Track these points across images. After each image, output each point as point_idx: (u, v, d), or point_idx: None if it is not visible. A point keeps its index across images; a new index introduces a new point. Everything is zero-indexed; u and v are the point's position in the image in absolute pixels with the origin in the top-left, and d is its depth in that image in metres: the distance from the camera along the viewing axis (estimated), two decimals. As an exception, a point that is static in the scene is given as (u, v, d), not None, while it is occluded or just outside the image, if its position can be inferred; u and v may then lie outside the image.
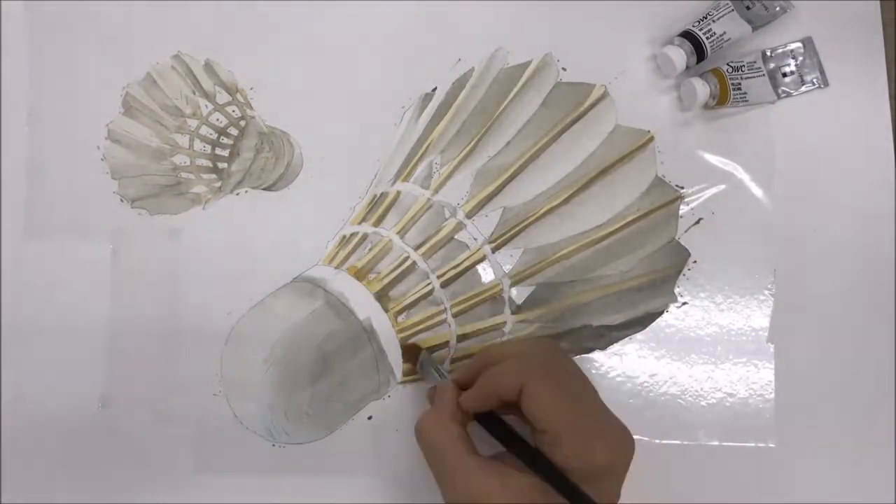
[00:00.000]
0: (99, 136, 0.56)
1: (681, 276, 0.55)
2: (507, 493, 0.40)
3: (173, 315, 0.54)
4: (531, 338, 0.46)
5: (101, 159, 0.56)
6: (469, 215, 0.55)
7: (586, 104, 0.56)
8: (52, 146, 0.56)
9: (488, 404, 0.44)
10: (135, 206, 0.55)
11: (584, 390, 0.44)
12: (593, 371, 0.53)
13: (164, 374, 0.53)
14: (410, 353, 0.52)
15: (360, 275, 0.53)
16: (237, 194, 0.56)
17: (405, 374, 0.53)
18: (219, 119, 0.57)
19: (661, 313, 0.54)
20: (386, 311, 0.53)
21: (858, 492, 0.52)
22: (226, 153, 0.57)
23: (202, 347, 0.53)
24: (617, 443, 0.43)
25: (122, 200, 0.56)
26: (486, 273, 0.54)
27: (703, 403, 0.53)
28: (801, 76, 0.56)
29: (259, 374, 0.52)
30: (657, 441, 0.52)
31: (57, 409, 0.53)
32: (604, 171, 0.55)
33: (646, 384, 0.53)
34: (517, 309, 0.54)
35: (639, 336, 0.54)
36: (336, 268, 0.53)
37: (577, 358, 0.54)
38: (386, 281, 0.53)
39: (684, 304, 0.54)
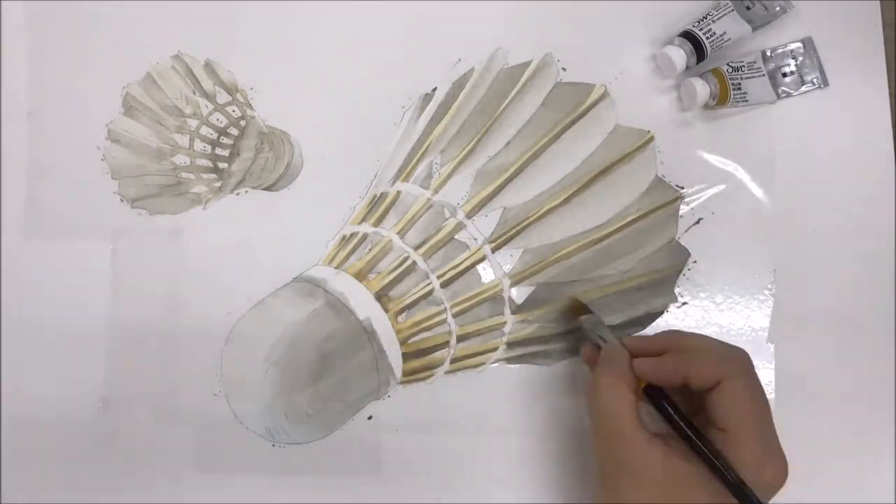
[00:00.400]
0: (99, 137, 0.56)
1: (681, 276, 0.54)
2: (668, 474, 0.40)
3: (173, 315, 0.54)
4: (727, 345, 0.45)
5: (102, 159, 0.56)
6: (469, 215, 0.55)
7: (586, 104, 0.56)
8: (53, 146, 0.56)
9: (669, 381, 0.42)
10: (135, 206, 0.55)
11: (767, 406, 0.43)
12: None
13: (164, 374, 0.53)
14: (574, 310, 0.50)
15: (360, 275, 0.53)
16: (237, 194, 0.56)
17: (406, 373, 0.53)
18: (219, 119, 0.57)
19: (661, 313, 0.54)
20: (386, 311, 0.53)
21: (859, 492, 0.52)
22: (226, 153, 0.57)
23: (202, 347, 0.53)
24: (783, 469, 0.42)
25: (122, 200, 0.56)
26: (486, 273, 0.54)
27: (703, 403, 0.53)
28: (801, 76, 0.56)
29: (259, 374, 0.52)
30: (657, 441, 0.52)
31: (57, 409, 0.53)
32: (604, 172, 0.55)
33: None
34: (517, 309, 0.54)
35: (639, 336, 0.54)
36: (336, 268, 0.53)
37: (575, 360, 0.53)
38: (386, 281, 0.53)
39: (684, 304, 0.54)
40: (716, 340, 0.45)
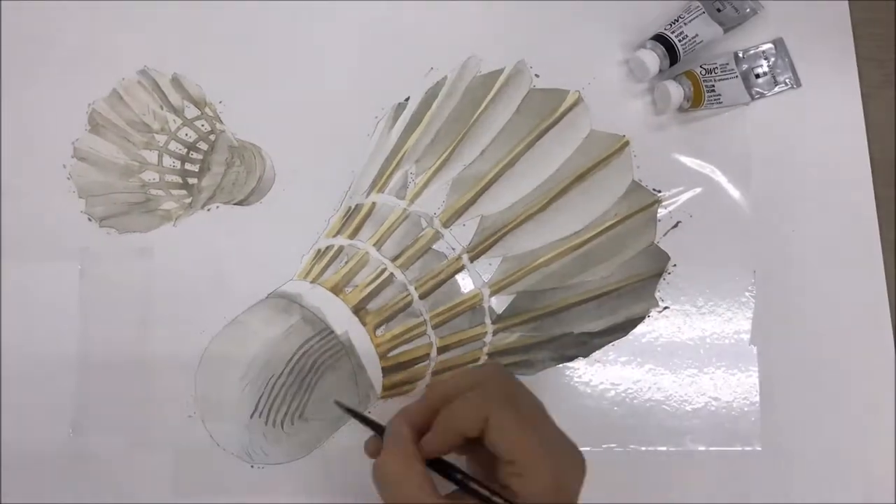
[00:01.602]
0: (65, 155, 0.55)
1: (661, 281, 0.54)
2: None
3: (145, 335, 0.53)
4: (477, 366, 0.44)
5: (67, 178, 0.55)
6: (446, 225, 0.54)
7: (560, 110, 0.56)
8: (17, 165, 0.55)
9: (451, 444, 0.42)
10: (103, 224, 0.54)
11: (542, 414, 0.43)
12: (575, 379, 0.53)
13: (136, 397, 0.52)
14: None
15: (336, 288, 0.52)
16: (208, 210, 0.55)
17: (386, 388, 0.52)
18: (188, 134, 0.56)
19: (642, 318, 0.54)
20: (364, 324, 0.52)
21: (844, 491, 0.52)
22: (196, 168, 0.56)
23: (175, 367, 0.52)
24: (579, 466, 0.41)
25: (89, 219, 0.54)
26: (465, 283, 0.54)
27: (687, 408, 0.53)
28: (773, 77, 0.56)
29: (235, 394, 0.50)
30: (643, 448, 0.52)
31: (25, 435, 0.51)
32: (580, 177, 0.55)
33: (630, 391, 0.53)
34: (497, 318, 0.53)
35: (621, 342, 0.53)
36: (311, 282, 0.53)
37: (559, 367, 0.53)
38: (363, 294, 0.52)
39: (665, 308, 0.54)
40: (467, 375, 0.43)
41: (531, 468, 0.39)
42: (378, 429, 0.45)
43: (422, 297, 0.53)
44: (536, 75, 0.57)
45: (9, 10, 0.57)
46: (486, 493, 0.40)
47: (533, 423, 0.41)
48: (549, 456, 0.40)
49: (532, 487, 0.39)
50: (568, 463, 0.41)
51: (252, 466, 0.51)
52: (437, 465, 0.42)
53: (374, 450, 0.45)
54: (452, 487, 0.41)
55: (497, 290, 0.53)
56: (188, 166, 0.56)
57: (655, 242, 0.55)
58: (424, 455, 0.42)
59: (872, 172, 0.55)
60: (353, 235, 0.54)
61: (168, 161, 0.56)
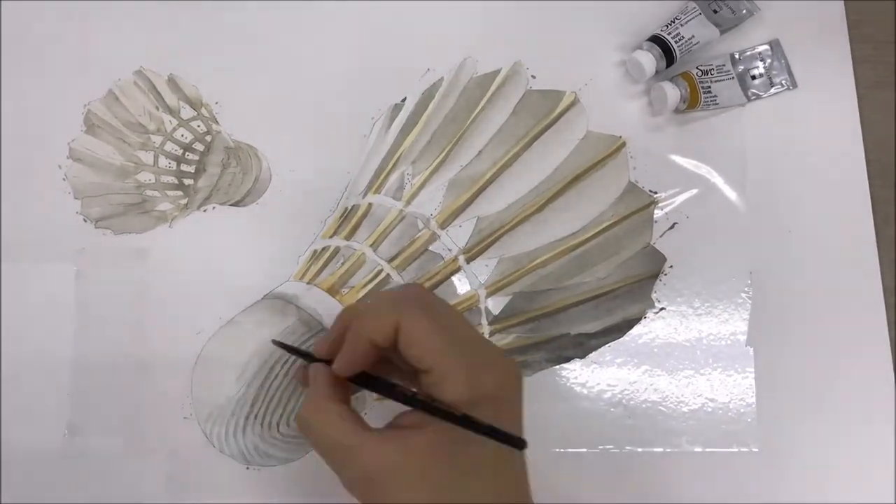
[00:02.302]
0: (60, 156, 0.55)
1: (658, 282, 0.54)
2: (411, 458, 0.37)
3: (141, 336, 0.52)
4: (398, 285, 0.43)
5: (63, 179, 0.55)
6: (442, 226, 0.54)
7: (557, 111, 0.56)
8: (12, 166, 0.55)
9: (363, 359, 0.40)
10: (99, 226, 0.54)
11: (461, 323, 0.41)
12: (572, 380, 0.53)
13: (132, 398, 0.52)
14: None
15: (333, 290, 0.52)
16: (204, 211, 0.55)
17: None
18: (184, 135, 0.56)
19: (639, 320, 0.54)
20: (360, 325, 0.52)
21: (841, 492, 0.52)
22: (192, 169, 0.55)
23: (171, 369, 0.52)
24: (503, 371, 0.40)
25: (85, 221, 0.54)
26: (461, 284, 0.54)
27: (684, 409, 0.53)
28: (769, 78, 0.56)
29: (231, 395, 0.50)
30: (639, 449, 0.52)
31: (21, 437, 0.51)
32: (577, 178, 0.55)
33: (626, 392, 0.53)
34: (494, 319, 0.53)
35: (617, 343, 0.53)
36: (308, 283, 0.52)
37: (556, 368, 0.53)
38: (360, 295, 0.52)
39: (662, 309, 0.54)
40: (381, 292, 0.42)
41: (447, 375, 0.37)
42: (310, 359, 0.43)
43: (418, 298, 0.53)
44: (533, 76, 0.57)
45: (4, 11, 0.57)
46: (409, 394, 0.38)
47: (446, 329, 0.39)
48: (464, 362, 0.38)
49: (450, 395, 0.37)
50: (495, 368, 0.39)
51: (248, 468, 0.51)
52: (363, 380, 0.40)
53: (301, 378, 0.44)
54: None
55: (493, 291, 0.53)
56: (184, 167, 0.56)
57: (652, 243, 0.55)
58: (342, 373, 0.40)
59: (868, 173, 0.56)
60: (349, 236, 0.54)
61: (164, 162, 0.56)
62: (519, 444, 0.37)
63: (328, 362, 0.41)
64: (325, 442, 0.39)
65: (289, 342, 0.50)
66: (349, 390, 0.41)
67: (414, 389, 0.40)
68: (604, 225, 0.54)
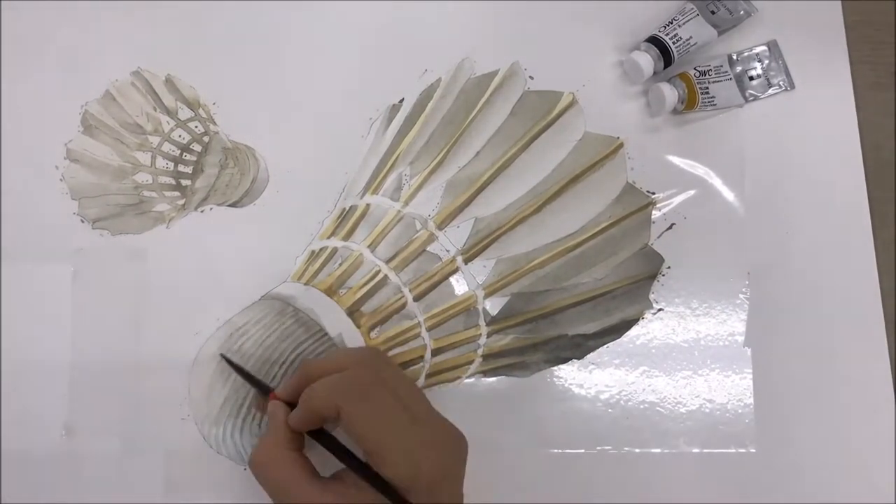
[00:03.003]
0: (57, 156, 0.55)
1: (655, 283, 0.54)
2: None
3: (138, 337, 0.52)
4: (352, 349, 0.46)
5: (60, 180, 0.55)
6: (440, 227, 0.54)
7: (555, 112, 0.56)
8: (9, 167, 0.55)
9: (314, 423, 0.43)
10: (96, 226, 0.54)
11: (406, 402, 0.42)
12: (570, 381, 0.53)
13: (130, 399, 0.52)
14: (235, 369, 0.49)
15: (330, 290, 0.52)
16: (202, 211, 0.54)
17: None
18: (181, 135, 0.56)
19: (636, 320, 0.54)
20: (358, 326, 0.52)
21: (840, 493, 0.52)
22: (189, 170, 0.55)
23: (169, 369, 0.51)
24: (445, 451, 0.42)
25: (82, 221, 0.54)
26: (459, 285, 0.54)
27: (682, 410, 0.53)
28: (767, 79, 0.56)
29: (228, 396, 0.50)
30: (637, 450, 0.52)
31: (18, 437, 0.51)
32: (574, 179, 0.55)
33: (624, 393, 0.53)
34: (492, 320, 0.53)
35: (615, 344, 0.53)
36: (305, 284, 0.52)
37: (553, 368, 0.53)
38: (358, 296, 0.52)
39: (660, 310, 0.54)
40: (337, 356, 0.45)
41: (384, 459, 0.40)
42: (264, 389, 0.46)
43: (416, 299, 0.53)
44: (531, 77, 0.57)
45: (2, 11, 0.57)
46: (356, 465, 0.41)
47: (388, 414, 0.41)
48: (402, 448, 0.40)
49: (392, 475, 0.40)
50: (434, 453, 0.41)
51: (245, 469, 0.51)
52: (324, 438, 0.43)
53: (258, 406, 0.48)
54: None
55: (491, 292, 0.53)
56: (182, 168, 0.56)
57: (650, 244, 0.55)
58: (295, 428, 0.43)
59: (866, 174, 0.56)
60: (347, 237, 0.54)
61: (161, 162, 0.55)
62: None
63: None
64: (278, 489, 0.42)
65: (286, 343, 0.50)
66: (303, 435, 0.44)
67: (363, 462, 0.42)
68: (602, 226, 0.54)
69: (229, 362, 0.49)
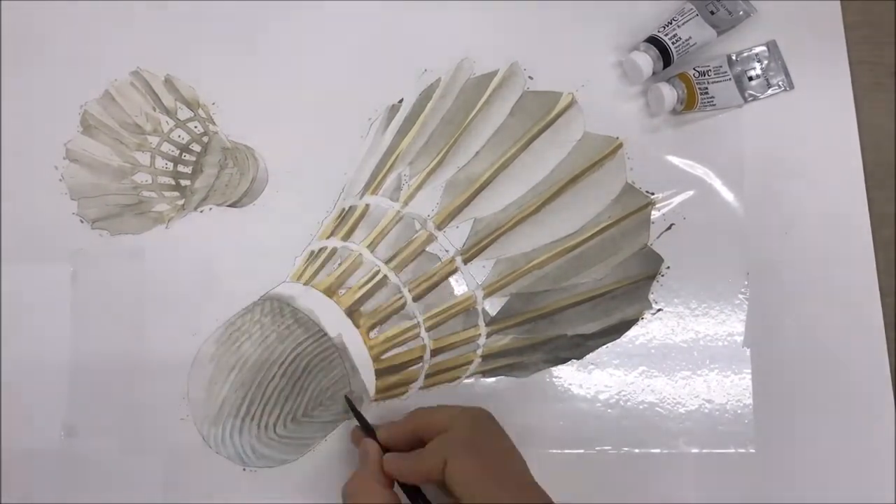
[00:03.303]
0: (57, 156, 0.55)
1: (655, 283, 0.54)
2: None
3: (137, 337, 0.52)
4: (462, 407, 0.47)
5: (60, 180, 0.55)
6: (440, 227, 0.54)
7: (554, 112, 0.56)
8: (8, 167, 0.55)
9: (417, 479, 0.44)
10: (95, 226, 0.54)
11: (507, 465, 0.44)
12: (569, 382, 0.53)
13: (129, 399, 0.52)
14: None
15: (329, 290, 0.52)
16: (201, 212, 0.54)
17: (379, 390, 0.52)
18: (181, 135, 0.56)
19: (636, 321, 0.54)
20: (357, 326, 0.52)
21: (839, 493, 0.52)
22: (188, 170, 0.55)
23: (168, 370, 0.51)
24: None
25: (81, 221, 0.54)
26: (458, 285, 0.54)
27: (681, 410, 0.53)
28: (766, 79, 0.56)
29: (227, 396, 0.50)
30: (637, 451, 0.52)
31: (18, 438, 0.51)
32: (574, 180, 0.55)
33: (623, 393, 0.53)
34: (491, 320, 0.53)
35: (615, 344, 0.53)
36: (305, 284, 0.52)
37: (553, 369, 0.53)
38: (357, 296, 0.52)
39: (659, 310, 0.54)
40: (446, 412, 0.46)
41: None
42: (369, 430, 0.47)
43: (415, 299, 0.53)
44: (530, 77, 0.57)
45: (2, 11, 0.57)
46: None
47: (492, 474, 0.42)
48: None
49: None
50: None
51: (244, 469, 0.51)
52: (410, 490, 0.45)
53: (355, 439, 0.49)
54: None
55: (491, 292, 0.53)
56: (181, 168, 0.56)
57: (649, 244, 0.55)
58: (395, 478, 0.45)
59: (865, 175, 0.56)
60: (346, 237, 0.54)
61: (161, 163, 0.55)
62: None
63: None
64: None
65: (286, 343, 0.50)
66: (392, 478, 0.45)
67: None
68: (601, 226, 0.54)
69: (349, 402, 0.50)
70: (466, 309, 0.53)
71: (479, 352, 0.53)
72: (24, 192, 0.54)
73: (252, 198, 0.55)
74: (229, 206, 0.54)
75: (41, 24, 0.57)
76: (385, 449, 0.46)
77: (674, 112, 0.55)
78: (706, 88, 0.55)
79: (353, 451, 0.50)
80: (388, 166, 0.55)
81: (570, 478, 0.51)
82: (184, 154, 0.56)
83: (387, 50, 0.57)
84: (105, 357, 0.52)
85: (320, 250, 0.53)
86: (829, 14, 0.58)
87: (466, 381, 0.53)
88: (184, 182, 0.55)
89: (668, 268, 0.54)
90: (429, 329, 0.52)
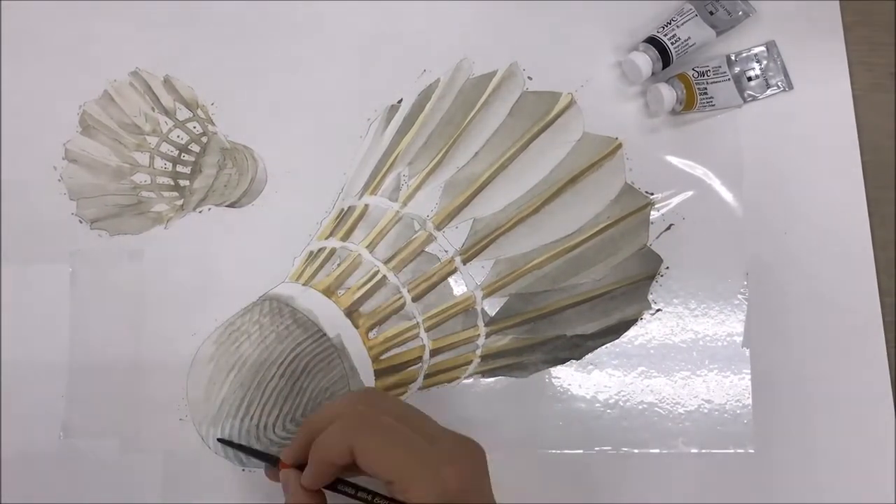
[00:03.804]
0: (55, 156, 0.55)
1: (654, 283, 0.54)
2: None
3: (136, 338, 0.52)
4: (348, 393, 0.45)
5: (59, 180, 0.55)
6: (439, 227, 0.54)
7: (553, 113, 0.56)
8: (7, 167, 0.55)
9: (329, 475, 0.42)
10: (94, 227, 0.54)
11: (414, 424, 0.42)
12: (568, 382, 0.53)
13: (127, 400, 0.52)
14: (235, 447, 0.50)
15: (328, 291, 0.52)
16: (200, 212, 0.54)
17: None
18: (179, 136, 0.56)
19: (635, 321, 0.54)
20: (357, 327, 0.52)
21: (838, 493, 0.52)
22: (187, 170, 0.55)
23: (167, 370, 0.51)
24: (464, 462, 0.42)
25: (80, 222, 0.54)
26: (457, 285, 0.53)
27: (680, 411, 0.53)
28: (765, 80, 0.56)
29: (226, 396, 0.50)
30: (636, 451, 0.52)
31: (15, 438, 0.51)
32: (573, 180, 0.55)
33: (622, 393, 0.53)
34: (490, 321, 0.53)
35: (614, 345, 0.53)
36: (304, 284, 0.52)
37: (552, 369, 0.53)
38: (356, 296, 0.52)
39: (658, 311, 0.54)
40: (335, 404, 0.44)
41: (408, 484, 0.39)
42: (271, 461, 0.45)
43: (415, 299, 0.53)
44: (529, 78, 0.57)
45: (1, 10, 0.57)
46: (384, 502, 0.41)
47: (400, 440, 0.41)
48: (423, 468, 0.40)
49: (421, 499, 0.39)
50: (456, 465, 0.41)
51: (243, 470, 0.51)
52: (341, 487, 0.43)
53: (272, 477, 0.46)
54: None
55: (490, 292, 0.53)
56: (180, 168, 0.55)
57: (648, 245, 0.55)
58: (310, 486, 0.42)
59: (864, 175, 0.56)
60: (345, 238, 0.54)
61: (160, 163, 0.55)
62: None
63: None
64: None
65: (285, 344, 0.50)
66: (322, 493, 0.43)
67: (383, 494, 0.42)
68: (600, 226, 0.54)
69: (229, 444, 0.49)
70: (466, 309, 0.53)
71: (479, 352, 0.53)
72: (23, 192, 0.54)
73: (251, 198, 0.54)
74: (228, 206, 0.54)
75: (40, 24, 0.57)
76: (301, 468, 0.43)
77: (673, 112, 0.55)
78: (705, 89, 0.55)
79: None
80: (387, 166, 0.55)
81: (569, 478, 0.51)
82: (183, 154, 0.56)
83: (386, 50, 0.57)
84: (103, 357, 0.52)
85: (319, 250, 0.53)
86: (829, 14, 0.58)
87: (466, 381, 0.53)
88: (183, 182, 0.55)
89: (668, 268, 0.54)
90: (428, 329, 0.52)
